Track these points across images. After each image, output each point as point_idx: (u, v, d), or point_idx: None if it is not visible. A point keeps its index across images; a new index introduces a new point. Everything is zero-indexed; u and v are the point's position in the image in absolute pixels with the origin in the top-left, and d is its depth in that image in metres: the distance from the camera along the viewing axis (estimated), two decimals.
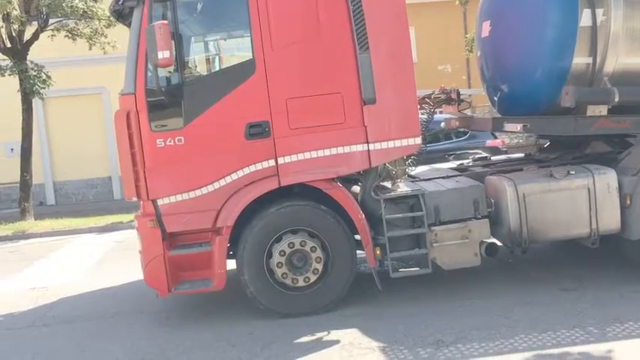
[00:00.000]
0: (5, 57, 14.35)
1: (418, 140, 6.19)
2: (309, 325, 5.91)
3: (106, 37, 14.44)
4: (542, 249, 7.69)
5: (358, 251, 6.27)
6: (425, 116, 7.56)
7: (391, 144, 6.08)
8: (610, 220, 6.31)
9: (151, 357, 5.58)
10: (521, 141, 14.02)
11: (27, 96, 14.30)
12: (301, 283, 6.08)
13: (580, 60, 6.42)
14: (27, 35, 14.38)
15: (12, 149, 17.35)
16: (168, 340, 5.88)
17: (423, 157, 7.17)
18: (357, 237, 6.21)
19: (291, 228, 6.06)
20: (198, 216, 6.03)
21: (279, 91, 5.96)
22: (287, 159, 6.00)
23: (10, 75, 13.95)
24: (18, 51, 14.17)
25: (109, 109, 16.89)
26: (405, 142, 6.11)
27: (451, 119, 8.40)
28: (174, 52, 5.69)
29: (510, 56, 7.00)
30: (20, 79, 14.00)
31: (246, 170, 5.98)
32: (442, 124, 8.83)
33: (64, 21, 14.47)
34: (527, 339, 5.22)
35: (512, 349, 5.06)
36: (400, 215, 6.19)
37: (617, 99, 6.29)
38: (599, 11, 6.32)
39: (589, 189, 6.28)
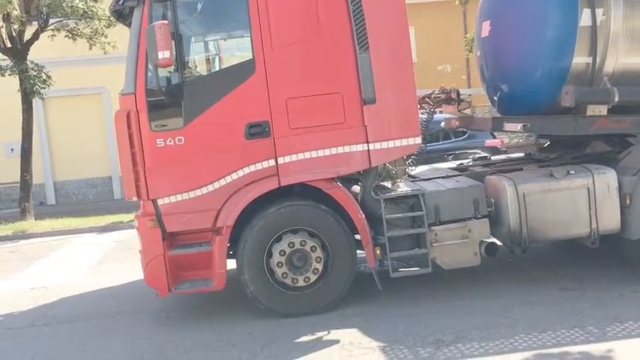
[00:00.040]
0: (5, 57, 14.36)
1: (418, 140, 6.19)
2: (309, 324, 5.91)
3: (106, 37, 14.45)
4: (542, 249, 7.69)
5: (358, 251, 6.27)
6: (425, 116, 7.56)
7: (391, 144, 6.08)
8: (610, 219, 6.32)
9: (151, 357, 5.58)
10: (521, 141, 14.05)
11: (27, 96, 14.31)
12: (301, 283, 6.08)
13: (580, 60, 6.42)
14: (27, 35, 14.38)
15: (12, 149, 17.38)
16: (168, 340, 5.89)
17: (422, 156, 7.18)
18: (357, 237, 6.21)
19: (291, 228, 6.06)
20: (199, 216, 6.03)
21: (279, 91, 5.96)
22: (287, 159, 6.00)
23: (10, 75, 13.96)
24: (18, 51, 14.17)
25: (109, 109, 16.92)
26: (405, 142, 6.11)
27: (451, 119, 8.41)
28: (174, 52, 5.70)
29: (510, 56, 7.00)
30: (20, 79, 14.01)
31: (246, 170, 5.99)
32: (442, 124, 8.84)
33: (64, 21, 14.48)
34: (527, 338, 5.22)
35: (512, 349, 5.06)
36: (400, 215, 6.20)
37: (616, 99, 6.29)
38: (599, 11, 6.32)
39: (589, 189, 6.28)
